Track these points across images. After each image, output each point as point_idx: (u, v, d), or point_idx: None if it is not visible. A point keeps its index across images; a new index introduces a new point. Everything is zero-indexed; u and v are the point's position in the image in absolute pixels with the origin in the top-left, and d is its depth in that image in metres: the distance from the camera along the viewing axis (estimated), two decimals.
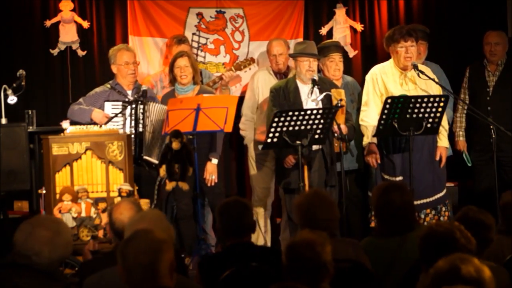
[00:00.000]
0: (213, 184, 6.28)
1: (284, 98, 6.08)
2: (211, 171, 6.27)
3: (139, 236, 2.92)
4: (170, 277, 2.89)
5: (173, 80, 6.29)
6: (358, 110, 6.34)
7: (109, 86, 6.32)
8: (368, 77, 6.24)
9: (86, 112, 6.07)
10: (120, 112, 6.04)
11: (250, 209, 4.07)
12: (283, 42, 6.90)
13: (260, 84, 6.81)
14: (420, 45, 6.44)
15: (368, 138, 6.11)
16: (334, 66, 6.61)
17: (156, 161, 6.02)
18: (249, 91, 6.90)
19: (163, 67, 7.04)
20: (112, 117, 6.05)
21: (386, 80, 6.12)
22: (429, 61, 6.84)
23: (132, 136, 5.98)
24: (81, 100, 6.28)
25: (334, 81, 6.43)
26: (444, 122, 6.13)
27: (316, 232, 3.34)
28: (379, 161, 6.08)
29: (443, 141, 6.14)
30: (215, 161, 6.29)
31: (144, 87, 6.28)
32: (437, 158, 6.10)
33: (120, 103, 6.12)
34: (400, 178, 5.95)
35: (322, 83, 6.10)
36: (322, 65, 6.64)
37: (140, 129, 6.01)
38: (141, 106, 6.04)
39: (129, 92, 6.33)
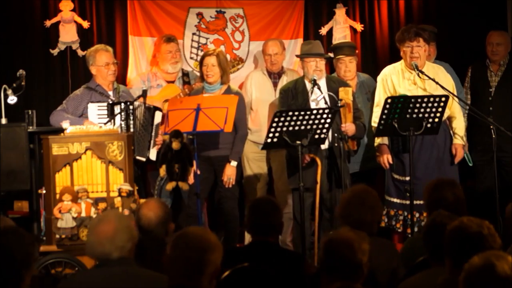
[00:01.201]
0: (230, 186, 6.29)
1: (292, 98, 6.11)
2: (230, 173, 6.27)
3: (195, 231, 2.95)
4: (210, 282, 2.89)
5: (201, 77, 6.34)
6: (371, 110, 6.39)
7: (85, 87, 6.32)
8: (379, 78, 6.31)
9: (77, 122, 6.00)
10: (119, 113, 6.03)
11: (280, 210, 4.13)
12: (279, 42, 6.91)
13: (254, 84, 6.83)
14: (429, 46, 6.44)
15: (379, 138, 6.15)
16: (344, 68, 6.67)
17: (143, 159, 6.03)
18: (243, 91, 6.91)
19: (151, 67, 7.04)
20: (111, 118, 6.05)
21: (396, 81, 6.16)
22: (439, 60, 6.85)
23: None
24: (64, 105, 6.25)
25: (348, 81, 6.45)
26: (461, 123, 6.20)
27: (356, 231, 3.34)
28: (391, 162, 6.11)
29: (458, 139, 6.19)
30: (234, 163, 6.29)
31: (144, 87, 6.29)
32: (454, 152, 6.15)
33: (105, 104, 6.11)
34: (409, 178, 5.95)
35: (331, 82, 6.13)
36: (335, 66, 6.73)
37: (132, 129, 6.00)
38: (131, 107, 6.03)
39: (110, 93, 6.32)
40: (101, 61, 6.30)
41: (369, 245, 3.23)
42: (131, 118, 6.02)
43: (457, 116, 6.21)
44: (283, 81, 6.76)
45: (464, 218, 3.17)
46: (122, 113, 5.98)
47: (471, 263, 2.60)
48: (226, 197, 6.34)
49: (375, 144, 6.22)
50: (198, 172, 5.89)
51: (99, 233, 3.38)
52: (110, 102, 6.15)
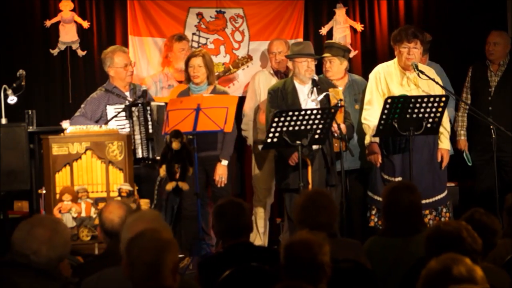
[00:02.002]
0: (222, 185, 6.29)
1: (282, 99, 6.08)
2: (221, 172, 6.28)
3: (145, 234, 2.94)
4: (174, 278, 2.90)
5: (187, 79, 6.32)
6: (361, 110, 6.35)
7: (103, 89, 6.31)
8: (371, 75, 6.24)
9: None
10: (119, 112, 6.03)
11: (246, 209, 4.06)
12: (284, 42, 6.94)
13: (262, 84, 6.82)
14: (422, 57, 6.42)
15: (370, 137, 6.12)
16: (324, 68, 6.63)
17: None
18: (250, 91, 6.91)
19: (162, 68, 7.04)
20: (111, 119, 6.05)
21: (389, 80, 6.13)
22: (430, 61, 6.84)
23: (138, 137, 5.99)
24: (82, 109, 6.24)
25: (335, 81, 6.44)
26: (446, 124, 6.13)
27: (315, 232, 3.34)
28: (380, 161, 6.09)
29: (444, 143, 6.14)
30: (225, 162, 6.30)
31: (144, 87, 6.29)
32: (439, 159, 6.10)
33: (123, 106, 6.11)
34: (399, 178, 5.96)
35: (321, 83, 6.11)
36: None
37: (150, 130, 6.01)
38: (148, 108, 6.03)
39: (127, 94, 6.32)
40: (119, 62, 6.29)
41: (329, 245, 3.21)
42: (149, 118, 6.03)
43: (444, 120, 6.15)
44: None
45: (440, 223, 3.21)
46: (140, 117, 5.99)
47: (428, 267, 2.59)
48: (221, 196, 6.33)
49: (366, 142, 6.17)
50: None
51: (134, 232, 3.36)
52: (128, 103, 6.14)
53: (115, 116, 6.05)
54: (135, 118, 6.01)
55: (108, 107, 6.13)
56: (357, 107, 6.50)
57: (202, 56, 6.29)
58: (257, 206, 6.83)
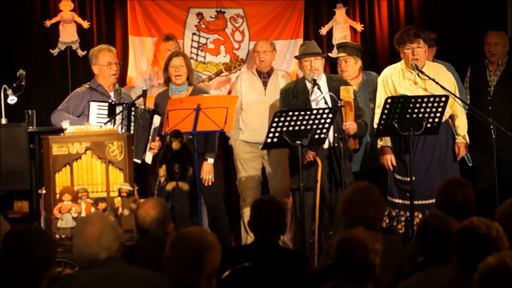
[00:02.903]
0: (209, 183, 6.28)
1: (293, 98, 6.12)
2: (208, 170, 6.27)
3: (193, 232, 2.96)
4: (209, 282, 2.90)
5: (167, 80, 6.28)
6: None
7: (87, 86, 6.31)
8: (379, 80, 6.32)
9: (77, 123, 5.98)
10: (120, 112, 6.02)
11: (283, 211, 4.12)
12: (269, 42, 6.96)
13: (244, 84, 6.85)
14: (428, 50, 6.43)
15: (382, 140, 6.15)
16: (340, 68, 6.71)
17: (139, 161, 6.03)
18: (233, 91, 6.93)
19: (152, 66, 7.04)
20: (112, 118, 6.04)
21: (396, 82, 6.17)
22: (438, 59, 6.86)
23: None
24: (65, 103, 6.25)
25: (349, 80, 6.47)
26: (464, 122, 6.21)
27: (370, 231, 3.34)
28: (394, 164, 6.12)
29: (460, 138, 6.22)
30: (211, 160, 6.29)
31: (144, 87, 6.29)
32: (456, 151, 6.17)
33: (107, 104, 6.11)
34: (412, 178, 5.94)
35: (331, 81, 6.14)
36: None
37: (132, 132, 6.00)
38: (133, 109, 6.03)
39: (111, 94, 6.32)
40: (103, 60, 6.30)
41: (381, 246, 3.22)
42: (132, 119, 6.02)
43: (459, 115, 6.22)
44: (273, 80, 6.79)
45: (474, 219, 3.18)
46: (124, 114, 5.97)
47: (486, 263, 2.63)
48: (212, 194, 6.33)
49: (378, 146, 6.23)
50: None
51: (85, 235, 3.41)
52: (112, 102, 6.15)
53: (114, 116, 6.03)
54: (117, 117, 5.99)
55: (91, 103, 6.11)
56: (372, 106, 6.53)
57: (183, 56, 6.27)
58: (243, 207, 6.83)
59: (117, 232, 3.48)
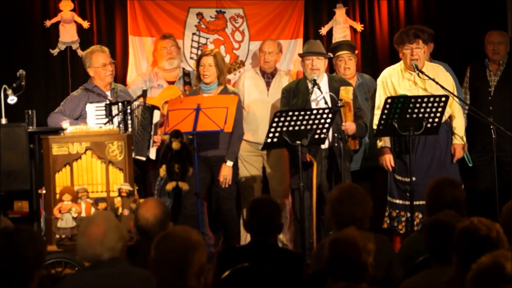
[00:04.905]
0: (226, 186, 6.28)
1: (294, 97, 6.12)
2: (226, 173, 6.27)
3: (176, 232, 2.96)
4: (198, 280, 2.90)
5: (198, 77, 6.33)
6: (373, 109, 6.38)
7: (83, 88, 6.33)
8: (379, 81, 6.32)
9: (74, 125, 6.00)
10: (117, 114, 6.03)
11: (280, 210, 4.12)
12: (277, 43, 6.95)
13: (246, 83, 6.85)
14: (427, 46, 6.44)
15: (381, 141, 6.15)
16: (343, 65, 6.69)
17: (143, 158, 6.02)
18: (235, 89, 6.92)
19: (152, 67, 7.05)
20: (110, 119, 6.05)
21: (396, 82, 6.17)
22: (436, 60, 6.85)
23: None
24: (61, 107, 6.27)
25: (348, 80, 6.46)
26: (461, 123, 6.22)
27: (362, 231, 3.34)
28: (393, 164, 6.12)
29: (458, 139, 6.21)
30: (230, 163, 6.29)
31: (144, 87, 6.29)
32: (453, 152, 6.17)
33: (103, 104, 6.11)
34: (412, 178, 5.94)
35: (333, 81, 6.14)
36: (334, 64, 6.71)
37: (129, 129, 6.01)
38: (129, 107, 6.03)
39: (108, 93, 6.33)
40: (97, 62, 6.31)
41: (373, 246, 3.23)
42: (129, 118, 6.02)
43: (456, 115, 6.22)
44: (276, 81, 6.79)
45: (475, 219, 3.19)
46: (120, 113, 5.98)
47: (479, 263, 2.63)
48: (223, 198, 6.34)
49: (378, 147, 6.23)
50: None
51: (89, 236, 3.41)
52: (108, 102, 6.15)
53: (113, 117, 6.03)
54: (115, 117, 6.00)
55: (88, 105, 6.13)
56: (367, 105, 6.53)
57: (214, 55, 6.28)
58: (244, 206, 6.83)
59: (121, 232, 3.48)
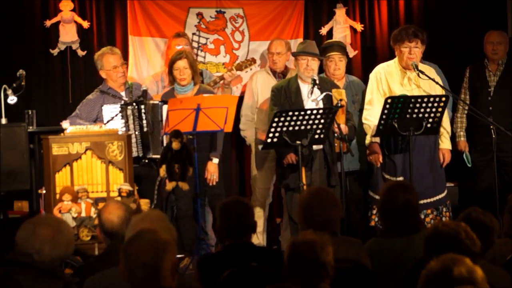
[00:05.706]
0: (214, 183, 6.28)
1: (285, 97, 6.10)
2: (212, 170, 6.27)
3: (143, 235, 2.94)
4: (172, 278, 2.90)
5: (172, 81, 6.29)
6: (361, 111, 6.34)
7: (98, 91, 6.34)
8: (372, 75, 6.24)
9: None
10: (116, 114, 6.03)
11: (251, 209, 4.04)
12: (284, 42, 6.92)
13: (259, 84, 6.82)
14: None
15: (371, 137, 6.12)
16: (334, 66, 6.57)
17: (158, 156, 6.04)
18: (248, 91, 6.91)
19: (164, 68, 7.04)
20: (110, 119, 6.06)
21: (390, 80, 6.13)
22: (428, 61, 6.83)
23: (133, 136, 6.00)
24: (77, 111, 6.28)
25: (336, 81, 6.43)
26: (446, 124, 6.14)
27: (318, 232, 3.34)
28: (381, 161, 6.09)
29: (445, 143, 6.15)
30: (216, 160, 6.29)
31: (144, 87, 6.29)
32: (441, 160, 6.11)
33: (118, 105, 6.12)
34: (400, 178, 5.95)
35: (324, 83, 6.10)
36: (324, 65, 6.65)
37: (145, 129, 6.02)
38: (142, 106, 6.04)
39: (123, 94, 6.33)
40: (108, 65, 6.30)
41: (332, 245, 3.22)
42: (144, 118, 6.03)
43: (444, 120, 6.15)
44: None
45: (439, 223, 3.20)
46: (135, 116, 6.00)
47: (428, 268, 2.59)
48: (216, 195, 6.33)
49: (366, 142, 6.17)
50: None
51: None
52: (123, 103, 6.15)
53: (111, 119, 6.04)
54: (129, 118, 6.01)
55: (104, 106, 6.14)
56: (354, 108, 6.50)
57: (186, 57, 6.25)
58: (255, 206, 6.82)
59: (171, 232, 3.46)
